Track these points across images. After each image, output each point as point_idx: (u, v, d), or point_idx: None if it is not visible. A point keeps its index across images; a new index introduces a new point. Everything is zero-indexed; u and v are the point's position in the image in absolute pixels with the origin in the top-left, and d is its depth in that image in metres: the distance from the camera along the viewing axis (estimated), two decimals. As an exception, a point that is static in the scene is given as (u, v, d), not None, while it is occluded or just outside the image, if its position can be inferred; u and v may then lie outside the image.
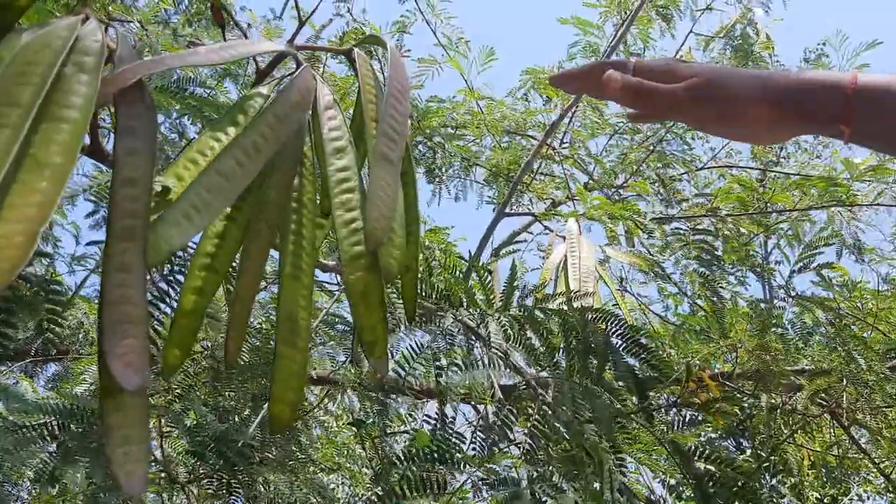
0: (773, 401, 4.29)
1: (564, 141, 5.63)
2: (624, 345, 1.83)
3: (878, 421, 4.84)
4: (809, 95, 1.07)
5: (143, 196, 1.02)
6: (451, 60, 4.78)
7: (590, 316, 1.98)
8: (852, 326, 3.25)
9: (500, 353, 1.50)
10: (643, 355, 2.03)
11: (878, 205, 3.85)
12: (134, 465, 0.90)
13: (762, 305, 3.32)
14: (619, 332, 2.09)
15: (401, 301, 1.85)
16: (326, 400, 2.96)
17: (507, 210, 4.26)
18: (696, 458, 1.68)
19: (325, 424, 3.24)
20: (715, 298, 3.37)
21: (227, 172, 1.06)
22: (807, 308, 3.42)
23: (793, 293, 3.41)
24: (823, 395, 4.66)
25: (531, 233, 4.41)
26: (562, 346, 1.79)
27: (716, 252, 3.38)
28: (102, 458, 1.84)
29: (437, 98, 5.62)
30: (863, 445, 5.68)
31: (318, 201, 1.34)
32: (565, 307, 2.03)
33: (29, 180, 0.87)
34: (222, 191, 1.11)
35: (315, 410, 2.97)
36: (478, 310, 1.58)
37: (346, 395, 2.87)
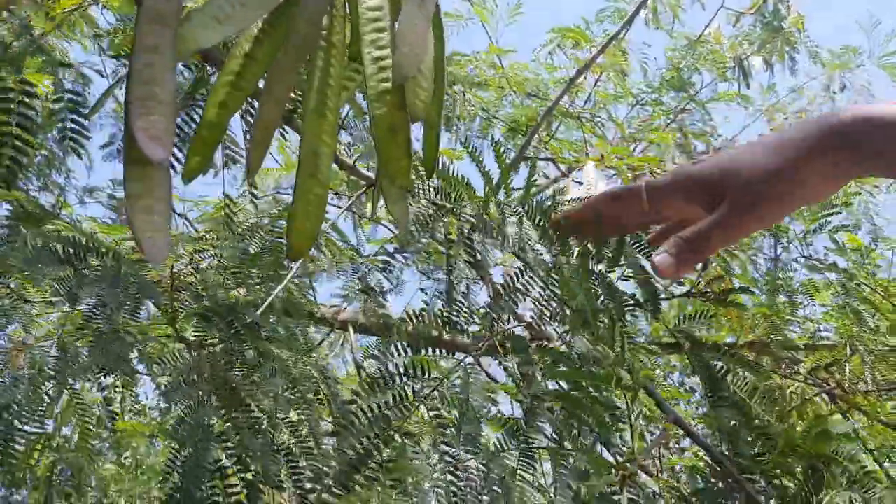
0: (776, 372, 4.28)
1: (586, 105, 5.60)
2: (634, 241, 1.81)
3: (876, 402, 4.83)
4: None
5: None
6: (477, 9, 4.74)
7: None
8: (863, 285, 3.23)
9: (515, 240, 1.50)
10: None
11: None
12: (156, 234, 0.91)
13: (771, 267, 3.30)
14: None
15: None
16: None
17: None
18: (707, 350, 1.67)
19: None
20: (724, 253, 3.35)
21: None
22: (818, 270, 3.41)
23: (805, 255, 3.40)
24: (824, 372, 4.65)
25: (547, 176, 4.39)
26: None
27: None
28: (117, 286, 1.87)
29: (461, 53, 5.59)
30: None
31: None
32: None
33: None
34: (253, 4, 1.11)
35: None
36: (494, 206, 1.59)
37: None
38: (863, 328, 3.12)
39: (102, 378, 2.22)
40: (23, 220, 2.91)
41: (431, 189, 1.68)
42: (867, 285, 3.23)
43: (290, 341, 2.06)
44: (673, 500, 1.61)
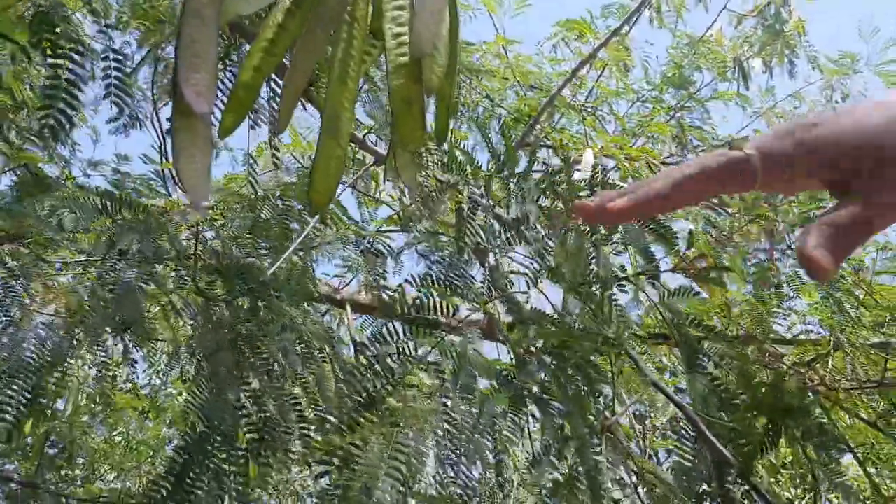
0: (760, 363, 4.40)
1: (588, 99, 5.70)
2: None
3: (857, 400, 4.95)
4: None
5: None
6: (485, 0, 4.83)
7: (601, 181, 2.10)
8: (847, 279, 3.34)
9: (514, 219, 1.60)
10: (652, 225, 2.15)
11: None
12: (199, 179, 1.02)
13: (760, 257, 3.41)
14: None
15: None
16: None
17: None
18: (689, 324, 1.79)
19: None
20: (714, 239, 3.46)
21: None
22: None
23: (793, 247, 3.50)
24: (808, 368, 4.77)
25: (546, 163, 4.50)
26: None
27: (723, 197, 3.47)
28: (151, 237, 1.97)
29: (467, 42, 5.68)
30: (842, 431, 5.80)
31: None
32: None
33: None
34: (288, -22, 1.22)
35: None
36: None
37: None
38: (845, 318, 3.23)
39: (119, 337, 2.31)
40: (31, 187, 3.03)
41: (437, 164, 1.78)
42: (851, 280, 3.35)
43: (297, 303, 2.17)
44: (649, 453, 1.72)
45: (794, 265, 3.59)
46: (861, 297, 3.51)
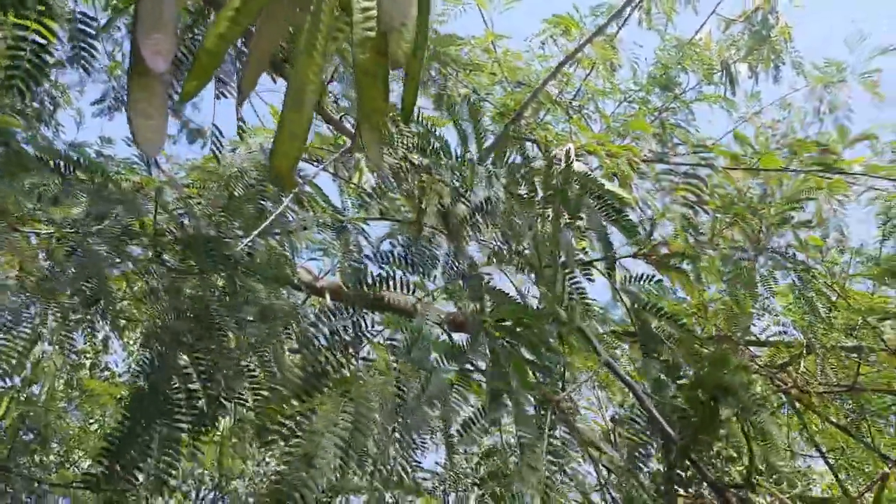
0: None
1: (576, 97, 5.72)
2: (599, 205, 1.94)
3: (829, 403, 5.00)
4: None
5: None
6: (475, -7, 4.84)
7: (572, 172, 2.11)
8: (819, 280, 3.38)
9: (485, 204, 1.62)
10: (614, 217, 2.18)
11: (862, 174, 3.97)
12: (152, 134, 1.02)
13: (736, 256, 3.44)
14: (597, 193, 2.23)
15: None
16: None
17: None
18: (646, 310, 1.82)
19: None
20: (693, 239, 3.49)
21: None
22: (779, 262, 3.55)
23: (768, 249, 3.54)
24: (781, 370, 4.81)
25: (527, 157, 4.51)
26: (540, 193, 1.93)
27: (702, 196, 3.49)
28: (103, 198, 1.96)
29: (457, 37, 5.68)
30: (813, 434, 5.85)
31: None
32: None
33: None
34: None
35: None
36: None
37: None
38: (816, 318, 3.27)
39: (87, 313, 2.29)
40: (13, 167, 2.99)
41: (407, 143, 1.79)
42: (823, 282, 3.38)
43: (272, 285, 2.18)
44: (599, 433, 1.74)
45: (769, 265, 3.63)
46: (834, 299, 3.55)
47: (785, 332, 4.00)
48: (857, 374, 4.64)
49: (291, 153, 1.35)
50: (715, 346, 4.24)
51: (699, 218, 3.45)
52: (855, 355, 4.49)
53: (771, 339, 4.19)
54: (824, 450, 6.03)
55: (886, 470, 4.52)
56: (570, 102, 5.55)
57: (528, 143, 5.35)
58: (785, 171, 3.81)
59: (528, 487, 1.47)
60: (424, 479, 2.29)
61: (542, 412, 1.47)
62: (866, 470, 5.67)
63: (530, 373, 1.59)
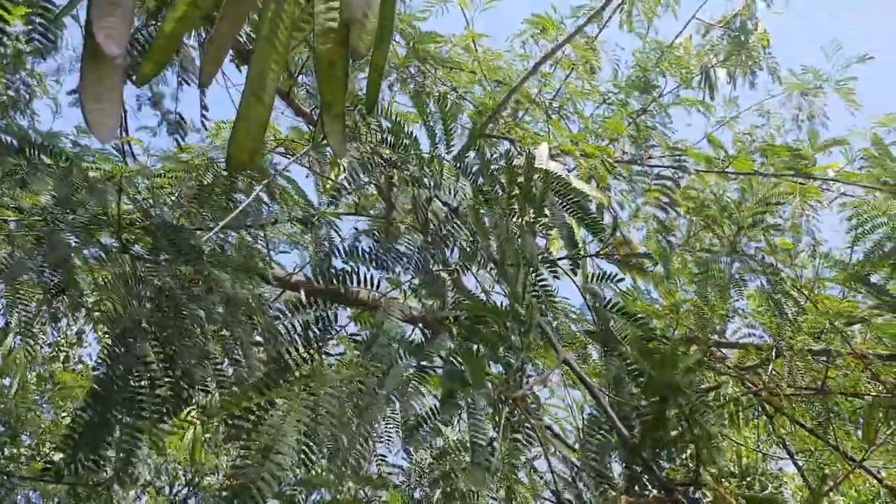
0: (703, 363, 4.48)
1: (556, 98, 5.74)
2: (564, 203, 1.96)
3: (797, 405, 5.06)
4: None
5: None
6: (456, -10, 4.85)
7: (537, 170, 2.12)
8: (786, 282, 3.42)
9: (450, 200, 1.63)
10: (579, 214, 2.20)
11: (833, 180, 4.03)
12: (104, 118, 1.02)
13: (705, 256, 3.48)
14: (562, 191, 2.25)
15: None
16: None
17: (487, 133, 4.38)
18: (608, 308, 1.84)
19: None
20: (665, 242, 3.52)
21: None
22: (748, 265, 3.59)
23: (739, 250, 3.58)
24: (751, 373, 4.86)
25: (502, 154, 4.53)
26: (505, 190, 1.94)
27: (674, 197, 3.52)
28: (67, 182, 1.95)
29: (437, 33, 5.68)
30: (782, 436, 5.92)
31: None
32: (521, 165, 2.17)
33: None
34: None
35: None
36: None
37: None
38: (784, 320, 3.31)
39: (52, 301, 2.26)
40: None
41: (376, 137, 1.80)
42: (792, 284, 3.43)
43: (241, 278, 2.17)
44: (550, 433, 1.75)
45: (739, 268, 3.67)
46: (803, 302, 3.60)
47: (754, 335, 4.05)
48: (826, 376, 4.71)
49: (249, 141, 1.35)
50: (685, 348, 4.28)
51: (675, 221, 3.49)
52: (823, 359, 4.55)
53: (741, 340, 4.24)
54: (794, 452, 6.12)
55: (846, 471, 4.59)
56: (550, 103, 5.57)
57: (507, 143, 5.37)
58: (757, 174, 3.86)
59: (475, 485, 1.48)
60: (390, 473, 2.30)
61: (500, 409, 1.48)
62: (834, 472, 5.75)
63: (486, 369, 1.60)
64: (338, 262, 1.82)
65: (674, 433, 1.59)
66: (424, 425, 1.62)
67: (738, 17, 6.21)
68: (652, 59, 5.64)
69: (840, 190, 5.04)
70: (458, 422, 1.73)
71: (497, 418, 1.49)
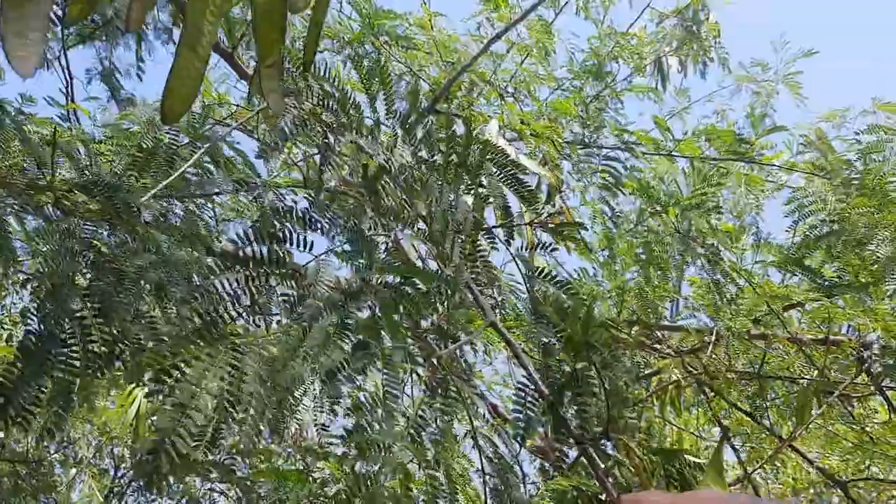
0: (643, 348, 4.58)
1: (511, 80, 5.77)
2: (499, 172, 1.99)
3: (735, 388, 5.22)
4: None
5: None
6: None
7: (476, 140, 2.15)
8: (724, 262, 3.52)
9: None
10: (516, 186, 2.24)
11: (773, 165, 4.14)
12: (24, 52, 0.99)
13: (649, 236, 3.55)
14: (499, 161, 2.28)
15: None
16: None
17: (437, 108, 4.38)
18: (540, 277, 1.88)
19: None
20: (612, 224, 3.59)
21: None
22: (690, 247, 3.68)
23: (678, 230, 3.67)
24: (692, 355, 5.00)
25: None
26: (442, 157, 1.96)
27: (620, 178, 3.59)
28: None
29: (393, 11, 5.65)
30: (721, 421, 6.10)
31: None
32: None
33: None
34: None
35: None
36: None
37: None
38: (722, 300, 3.41)
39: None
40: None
41: (316, 99, 1.79)
42: (730, 266, 3.52)
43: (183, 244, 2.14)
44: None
45: (682, 251, 3.76)
46: (742, 283, 3.70)
47: (695, 317, 4.15)
48: (763, 360, 4.87)
49: (184, 94, 1.34)
50: (628, 330, 4.37)
51: (623, 206, 3.55)
52: (761, 343, 4.70)
53: (682, 323, 4.35)
54: (730, 434, 6.31)
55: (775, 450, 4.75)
56: (505, 87, 5.60)
57: (459, 121, 5.38)
58: (701, 158, 3.95)
59: (386, 436, 1.51)
60: (330, 443, 2.31)
61: (423, 368, 1.51)
62: (769, 453, 5.96)
63: (402, 326, 1.63)
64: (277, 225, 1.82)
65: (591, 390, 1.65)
66: (338, 374, 1.64)
67: (691, 7, 6.32)
68: (606, 45, 5.71)
69: (782, 180, 5.19)
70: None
71: (416, 375, 1.52)
